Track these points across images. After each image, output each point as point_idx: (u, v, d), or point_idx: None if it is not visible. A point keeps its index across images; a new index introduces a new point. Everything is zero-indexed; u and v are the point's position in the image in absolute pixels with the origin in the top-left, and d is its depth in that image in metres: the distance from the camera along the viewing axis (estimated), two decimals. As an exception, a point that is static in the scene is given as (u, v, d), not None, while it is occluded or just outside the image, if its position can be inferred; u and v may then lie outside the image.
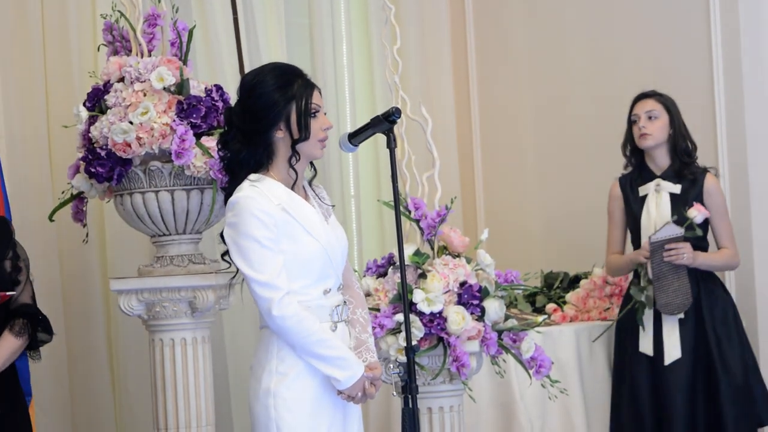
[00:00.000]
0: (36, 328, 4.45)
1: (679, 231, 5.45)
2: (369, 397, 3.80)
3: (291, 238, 3.74)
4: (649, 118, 5.60)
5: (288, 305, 3.71)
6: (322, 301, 3.81)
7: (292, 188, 3.80)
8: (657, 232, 5.47)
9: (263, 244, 3.70)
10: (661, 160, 5.65)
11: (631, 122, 5.66)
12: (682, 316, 5.48)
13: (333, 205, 3.95)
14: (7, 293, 4.37)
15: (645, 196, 5.63)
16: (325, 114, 3.85)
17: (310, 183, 3.93)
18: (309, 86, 3.80)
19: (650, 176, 5.65)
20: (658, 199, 5.60)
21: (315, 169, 3.94)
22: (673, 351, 5.48)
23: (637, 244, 5.65)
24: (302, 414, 3.77)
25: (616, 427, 5.70)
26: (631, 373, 5.59)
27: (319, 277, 3.80)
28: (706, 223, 5.56)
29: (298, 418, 3.76)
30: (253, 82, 3.80)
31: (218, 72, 6.16)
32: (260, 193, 3.73)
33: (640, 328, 5.55)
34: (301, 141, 3.76)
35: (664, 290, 5.47)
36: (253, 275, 3.71)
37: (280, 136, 3.78)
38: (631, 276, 5.78)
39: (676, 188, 5.59)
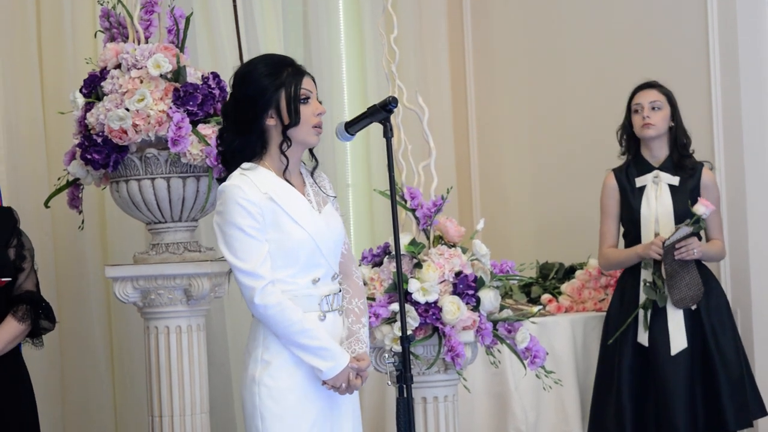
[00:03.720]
0: (39, 315, 4.49)
1: (689, 230, 5.47)
2: (354, 389, 3.78)
3: (277, 226, 3.74)
4: (653, 108, 5.60)
5: (270, 294, 3.72)
6: (310, 291, 3.80)
7: (284, 175, 3.81)
8: (671, 236, 5.47)
9: (247, 232, 3.72)
10: (658, 151, 5.65)
11: (632, 111, 5.65)
12: (695, 306, 5.50)
13: (335, 196, 3.95)
14: (4, 279, 4.39)
15: (642, 188, 5.62)
16: (319, 101, 3.84)
17: (312, 172, 3.92)
18: (299, 73, 3.81)
19: (646, 168, 5.65)
20: (657, 191, 5.59)
21: (316, 159, 3.93)
22: (678, 342, 5.48)
23: (634, 236, 5.64)
24: (286, 403, 3.76)
25: (596, 416, 5.69)
26: (619, 363, 5.58)
27: (307, 266, 3.79)
28: (702, 215, 5.59)
29: (282, 407, 3.75)
30: (244, 72, 3.83)
31: (220, 60, 6.16)
32: (248, 182, 3.75)
33: (641, 322, 5.54)
34: (291, 126, 3.77)
35: (677, 287, 5.48)
36: (237, 264, 3.73)
37: (272, 123, 3.79)
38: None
39: (674, 180, 5.59)
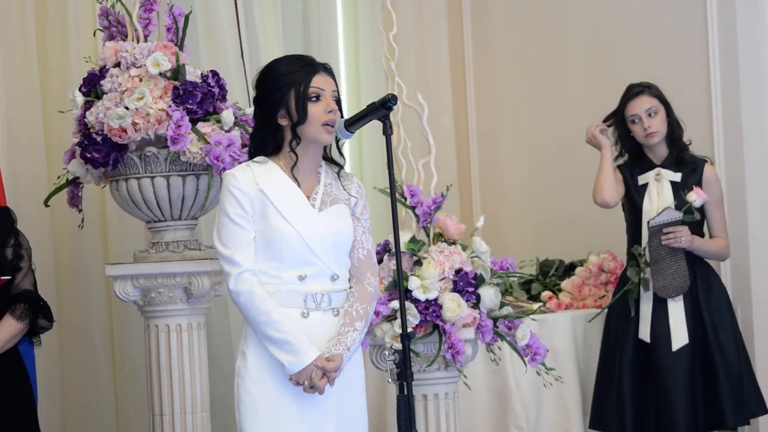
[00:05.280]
0: (36, 314, 4.49)
1: (677, 215, 5.48)
2: (319, 389, 3.75)
3: (263, 218, 3.78)
4: (649, 115, 5.59)
5: (244, 282, 3.75)
6: (295, 287, 3.80)
7: (292, 172, 3.82)
8: (656, 216, 5.49)
9: (233, 219, 3.78)
10: (660, 150, 5.65)
11: (630, 122, 5.62)
12: (680, 299, 5.50)
13: (357, 199, 3.93)
14: (2, 278, 4.39)
15: (645, 185, 5.63)
16: (337, 100, 3.85)
17: (339, 172, 3.94)
18: (312, 71, 3.82)
19: (649, 166, 5.65)
20: (659, 187, 5.60)
21: (343, 157, 3.96)
22: (680, 336, 5.48)
23: (635, 230, 5.65)
24: (258, 395, 3.77)
25: (597, 411, 5.70)
26: (620, 359, 5.59)
27: (293, 262, 3.79)
28: (702, 211, 5.58)
29: (254, 399, 3.77)
30: (262, 72, 3.88)
31: (221, 58, 6.15)
32: (246, 172, 3.81)
33: (635, 313, 5.55)
34: (299, 124, 3.79)
35: (661, 273, 5.49)
36: (219, 248, 3.80)
37: (284, 122, 3.82)
38: (625, 263, 5.78)
39: (676, 176, 5.60)
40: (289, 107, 3.79)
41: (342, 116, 3.87)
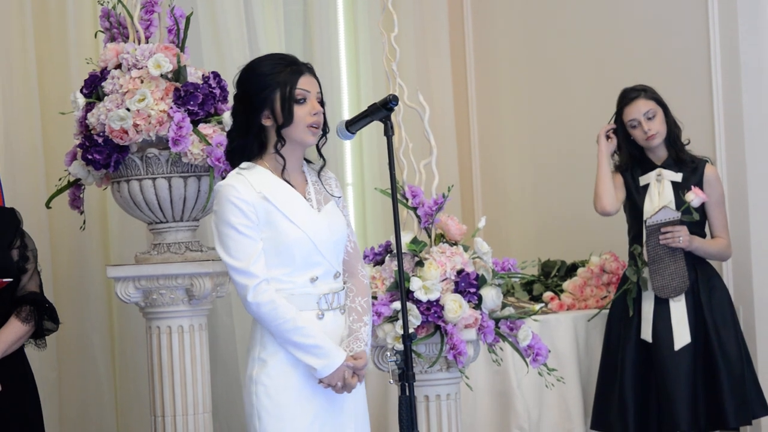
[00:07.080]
0: (42, 316, 4.49)
1: (675, 214, 5.48)
2: (351, 388, 3.77)
3: (271, 225, 3.75)
4: (648, 118, 5.59)
5: (263, 292, 3.72)
6: (308, 289, 3.80)
7: (282, 174, 3.81)
8: (653, 215, 5.49)
9: (240, 231, 3.73)
10: (660, 151, 5.66)
11: (630, 127, 5.62)
12: (682, 299, 5.50)
13: (339, 196, 3.94)
14: (5, 280, 4.39)
15: (646, 186, 5.63)
16: (320, 101, 3.84)
17: (319, 171, 3.93)
18: (297, 72, 3.80)
19: (650, 167, 5.66)
20: (660, 188, 5.60)
21: (324, 158, 3.94)
22: (682, 337, 5.49)
23: (636, 231, 5.65)
24: (283, 401, 3.76)
25: (599, 411, 5.70)
26: (622, 359, 5.59)
27: (304, 265, 3.79)
28: (704, 211, 5.58)
29: (278, 406, 3.76)
30: (244, 71, 3.85)
31: (227, 59, 6.15)
32: (242, 181, 3.76)
33: (634, 313, 5.56)
34: (284, 126, 3.77)
35: (660, 273, 5.50)
36: (230, 262, 3.75)
37: (268, 123, 3.79)
38: (627, 264, 5.78)
39: (677, 176, 5.60)
40: (274, 108, 3.77)
41: (326, 118, 3.86)
